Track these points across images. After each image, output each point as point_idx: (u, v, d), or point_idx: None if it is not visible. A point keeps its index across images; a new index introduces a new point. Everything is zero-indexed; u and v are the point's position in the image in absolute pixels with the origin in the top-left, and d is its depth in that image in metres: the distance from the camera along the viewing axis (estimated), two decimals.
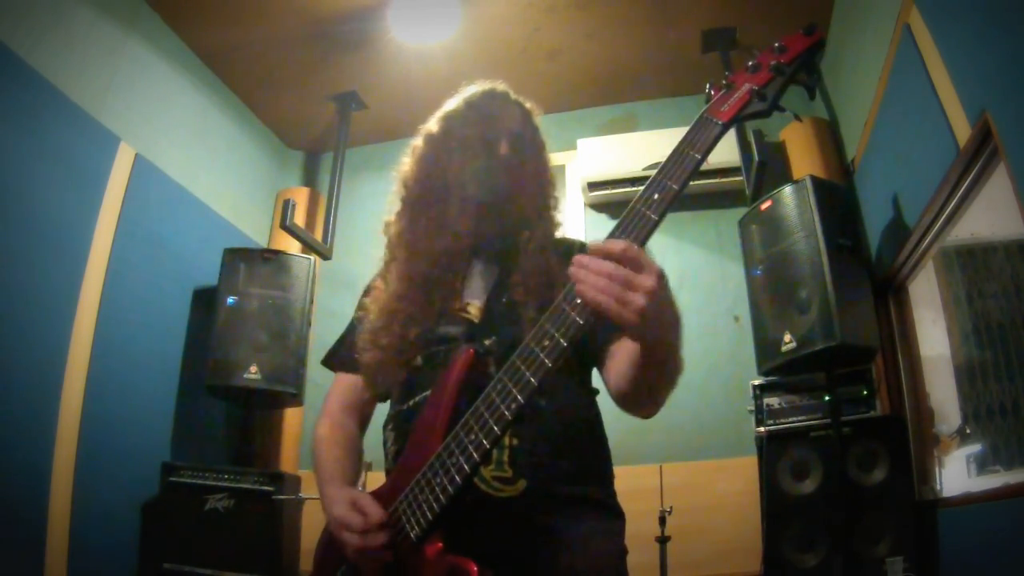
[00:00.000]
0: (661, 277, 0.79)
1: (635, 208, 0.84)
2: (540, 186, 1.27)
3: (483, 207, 1.21)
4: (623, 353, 1.05)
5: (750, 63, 0.91)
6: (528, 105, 1.30)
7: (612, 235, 0.84)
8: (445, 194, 1.23)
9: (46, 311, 2.35)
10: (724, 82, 0.91)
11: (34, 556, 2.18)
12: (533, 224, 1.21)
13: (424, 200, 1.24)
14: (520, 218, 1.22)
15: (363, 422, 1.29)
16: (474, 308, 1.17)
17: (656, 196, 0.84)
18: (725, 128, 0.87)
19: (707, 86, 0.93)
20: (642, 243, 0.82)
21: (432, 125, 1.29)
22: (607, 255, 0.79)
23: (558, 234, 1.28)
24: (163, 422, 2.85)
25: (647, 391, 1.00)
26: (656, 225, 0.83)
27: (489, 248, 1.24)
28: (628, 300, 0.77)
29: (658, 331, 0.83)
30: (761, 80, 0.89)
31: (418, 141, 1.30)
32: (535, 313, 1.06)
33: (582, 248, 1.23)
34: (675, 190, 0.83)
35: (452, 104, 1.28)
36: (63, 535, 2.28)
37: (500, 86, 1.29)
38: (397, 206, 1.28)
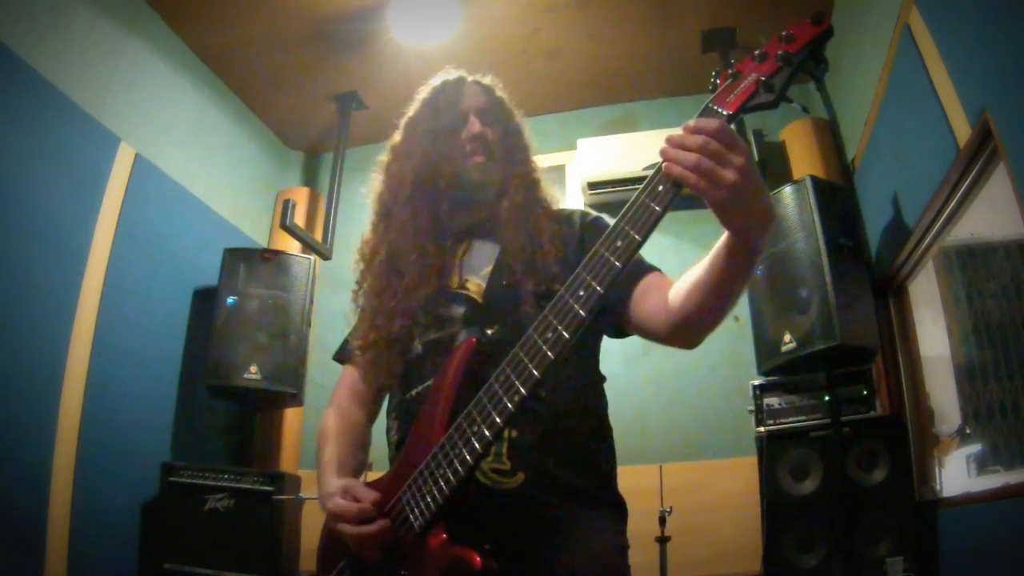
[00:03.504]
0: (751, 158, 0.79)
1: (640, 200, 0.84)
2: (514, 151, 1.26)
3: (461, 192, 1.21)
4: (662, 285, 1.05)
5: (756, 52, 0.89)
6: (486, 81, 1.29)
7: (618, 224, 0.84)
8: (419, 193, 1.22)
9: (46, 311, 2.35)
10: (730, 71, 0.89)
11: (34, 556, 2.18)
12: (512, 192, 1.21)
13: (398, 206, 1.24)
14: (500, 189, 1.22)
15: (371, 412, 1.28)
16: (473, 285, 1.16)
17: (660, 188, 0.83)
18: (731, 119, 0.85)
19: (713, 74, 0.91)
20: (646, 236, 0.82)
21: (396, 135, 1.30)
22: (699, 131, 0.79)
23: (553, 203, 1.27)
24: (163, 422, 2.85)
25: (713, 303, 0.93)
26: (660, 217, 0.82)
27: (480, 226, 1.23)
28: (718, 176, 0.77)
29: (747, 216, 0.82)
30: (768, 70, 0.86)
31: (384, 155, 1.30)
32: (533, 287, 1.07)
33: (582, 216, 1.23)
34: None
35: (411, 110, 1.29)
36: (63, 535, 2.28)
37: (452, 74, 1.29)
38: (372, 219, 1.28)
